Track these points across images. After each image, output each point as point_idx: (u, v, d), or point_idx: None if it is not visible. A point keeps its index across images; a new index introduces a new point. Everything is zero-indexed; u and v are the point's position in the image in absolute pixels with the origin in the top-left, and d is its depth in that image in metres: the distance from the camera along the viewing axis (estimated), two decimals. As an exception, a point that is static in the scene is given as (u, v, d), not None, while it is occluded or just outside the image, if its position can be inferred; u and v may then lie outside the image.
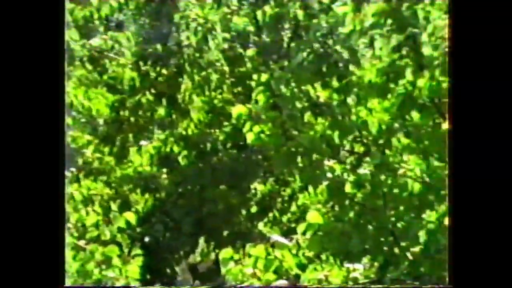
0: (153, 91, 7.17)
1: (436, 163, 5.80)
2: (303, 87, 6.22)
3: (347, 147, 6.38)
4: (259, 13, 6.78)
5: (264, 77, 5.92)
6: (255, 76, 5.87)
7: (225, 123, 7.03)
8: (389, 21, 5.75)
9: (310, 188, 6.07)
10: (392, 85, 5.89)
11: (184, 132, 7.09)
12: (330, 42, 5.94)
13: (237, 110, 5.91)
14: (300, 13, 6.16)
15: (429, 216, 5.66)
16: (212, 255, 7.48)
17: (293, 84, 6.13)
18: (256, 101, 5.91)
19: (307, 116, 6.25)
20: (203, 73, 7.03)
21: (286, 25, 6.76)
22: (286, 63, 6.09)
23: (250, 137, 5.91)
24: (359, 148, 6.38)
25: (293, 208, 7.24)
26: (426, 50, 5.62)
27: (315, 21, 6.24)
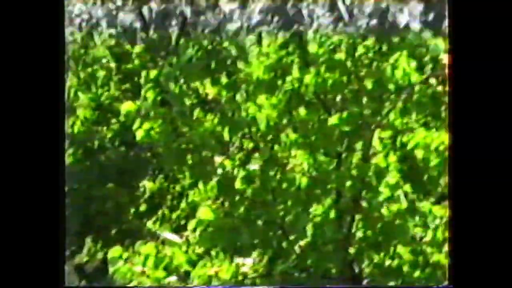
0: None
1: (322, 158, 5.94)
2: (192, 84, 6.22)
3: (237, 143, 6.42)
4: (145, 9, 6.73)
5: (152, 73, 5.89)
6: (143, 73, 5.83)
7: (113, 121, 6.94)
8: (275, 18, 5.84)
9: (200, 185, 6.08)
10: (279, 82, 5.98)
11: (70, 130, 6.97)
12: (218, 38, 5.97)
13: (126, 107, 5.86)
14: (187, 10, 6.16)
15: (316, 209, 5.79)
16: (100, 255, 7.37)
17: (182, 81, 6.12)
18: (145, 98, 5.87)
19: (197, 112, 6.26)
20: (89, 69, 6.92)
21: (174, 22, 6.73)
22: (174, 59, 6.08)
23: (139, 135, 5.87)
24: (248, 144, 6.44)
25: (183, 205, 7.22)
26: (312, 47, 5.74)
27: (202, 17, 6.24)
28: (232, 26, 5.91)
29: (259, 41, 5.98)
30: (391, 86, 5.64)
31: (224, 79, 6.06)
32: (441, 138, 5.67)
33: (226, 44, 5.96)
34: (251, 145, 6.42)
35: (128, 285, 5.71)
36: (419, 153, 5.71)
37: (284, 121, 5.94)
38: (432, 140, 5.70)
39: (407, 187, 5.78)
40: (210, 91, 6.31)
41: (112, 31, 6.98)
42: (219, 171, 5.88)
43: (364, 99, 5.74)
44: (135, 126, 5.80)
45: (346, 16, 5.61)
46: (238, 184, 5.88)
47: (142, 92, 5.84)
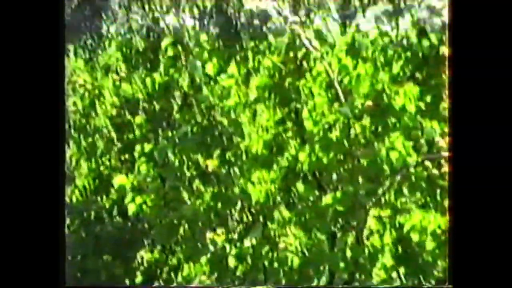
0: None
1: (318, 235, 5.84)
2: (193, 156, 6.21)
3: (233, 218, 6.36)
4: (148, 80, 6.76)
5: (147, 147, 5.89)
6: (138, 146, 5.82)
7: (112, 191, 6.91)
8: (273, 95, 5.83)
9: (194, 260, 6.01)
10: (276, 158, 5.94)
11: (68, 200, 6.95)
12: (215, 113, 5.97)
13: (119, 180, 5.85)
14: (185, 84, 6.18)
15: (308, 290, 5.68)
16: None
17: (177, 155, 6.11)
18: (139, 171, 5.86)
19: (196, 184, 6.23)
20: (90, 139, 6.92)
21: (177, 93, 6.75)
22: (170, 133, 6.08)
23: (131, 209, 5.84)
24: (246, 218, 6.37)
25: (179, 278, 7.12)
26: (308, 125, 5.70)
27: (204, 92, 6.25)
28: (229, 102, 5.90)
29: (256, 116, 5.96)
30: (387, 167, 5.56)
31: (219, 154, 6.04)
32: (437, 221, 5.55)
33: (223, 119, 5.95)
34: (250, 218, 6.34)
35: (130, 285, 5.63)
36: (415, 236, 5.59)
37: (278, 198, 5.88)
38: (429, 223, 5.58)
39: (402, 270, 5.66)
40: (209, 164, 6.28)
41: (115, 100, 7.01)
42: (211, 247, 5.81)
43: (360, 179, 5.66)
44: (127, 200, 5.78)
45: (342, 96, 5.57)
46: (231, 262, 5.80)
47: (136, 165, 5.82)
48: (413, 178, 5.51)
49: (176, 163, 6.07)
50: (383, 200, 5.69)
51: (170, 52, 6.30)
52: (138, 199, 5.80)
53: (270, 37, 5.71)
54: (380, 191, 5.59)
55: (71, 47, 7.47)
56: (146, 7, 6.96)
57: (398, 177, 5.51)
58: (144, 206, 5.82)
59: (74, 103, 6.92)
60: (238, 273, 5.77)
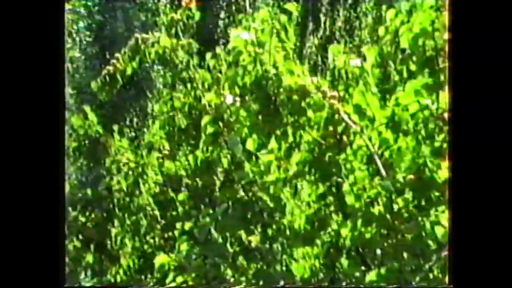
0: (80, 237, 7.10)
1: (364, 315, 5.68)
2: (233, 232, 6.16)
3: (280, 293, 6.25)
4: (191, 158, 6.79)
5: (187, 225, 5.87)
6: (178, 225, 5.81)
7: (156, 269, 6.88)
8: (313, 170, 5.78)
9: None
10: (318, 233, 5.86)
11: (112, 280, 6.95)
12: (256, 189, 5.94)
13: (160, 259, 5.82)
14: (226, 161, 6.18)
15: None
16: None
17: (221, 231, 6.07)
18: (179, 250, 5.83)
19: (239, 261, 6.17)
20: (133, 218, 6.95)
21: (219, 169, 6.76)
22: (211, 210, 6.06)
23: (173, 288, 5.80)
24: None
25: None
26: (349, 200, 5.62)
27: (245, 168, 6.25)
28: (269, 178, 5.87)
29: (296, 192, 5.91)
30: (432, 242, 5.42)
31: (261, 230, 5.98)
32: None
33: (263, 195, 5.91)
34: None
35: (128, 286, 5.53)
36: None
37: (321, 274, 5.77)
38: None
39: None
40: (252, 239, 6.23)
41: (158, 178, 7.05)
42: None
43: (405, 254, 5.53)
44: (168, 280, 5.74)
45: (383, 170, 5.49)
46: None
47: (176, 244, 5.79)
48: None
49: (219, 240, 6.03)
50: (430, 276, 5.53)
51: (210, 129, 6.33)
52: (179, 279, 5.76)
53: (309, 112, 5.68)
54: (426, 266, 5.44)
55: (115, 127, 7.59)
56: (189, 85, 7.04)
57: (445, 252, 5.36)
58: (185, 286, 5.76)
59: (118, 182, 6.98)
60: None
